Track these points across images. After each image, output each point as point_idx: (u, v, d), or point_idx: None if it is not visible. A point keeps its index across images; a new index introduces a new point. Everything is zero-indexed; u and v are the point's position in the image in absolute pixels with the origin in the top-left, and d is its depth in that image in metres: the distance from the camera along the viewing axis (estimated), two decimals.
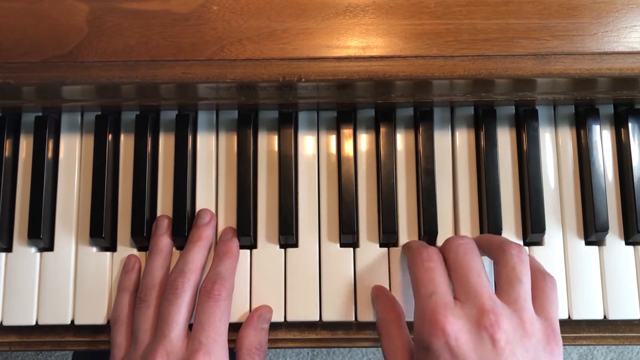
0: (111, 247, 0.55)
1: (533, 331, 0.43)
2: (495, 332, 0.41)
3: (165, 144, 0.56)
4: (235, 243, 0.53)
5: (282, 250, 0.54)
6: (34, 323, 0.53)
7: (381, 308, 0.51)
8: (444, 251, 0.48)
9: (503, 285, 0.45)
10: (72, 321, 0.53)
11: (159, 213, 0.55)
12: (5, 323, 0.53)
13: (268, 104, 0.55)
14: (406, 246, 0.53)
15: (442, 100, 0.54)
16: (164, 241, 0.53)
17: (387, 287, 0.53)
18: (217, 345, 0.48)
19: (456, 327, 0.42)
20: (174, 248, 0.54)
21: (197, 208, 0.55)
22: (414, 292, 0.47)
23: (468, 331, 0.42)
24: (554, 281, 0.47)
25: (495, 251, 0.47)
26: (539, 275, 0.47)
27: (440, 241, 0.54)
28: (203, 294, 0.49)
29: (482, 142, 0.55)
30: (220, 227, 0.55)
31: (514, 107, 0.56)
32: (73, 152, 0.56)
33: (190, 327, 0.50)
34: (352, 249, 0.54)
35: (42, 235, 0.53)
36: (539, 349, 0.43)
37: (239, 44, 0.48)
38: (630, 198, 0.54)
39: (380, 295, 0.51)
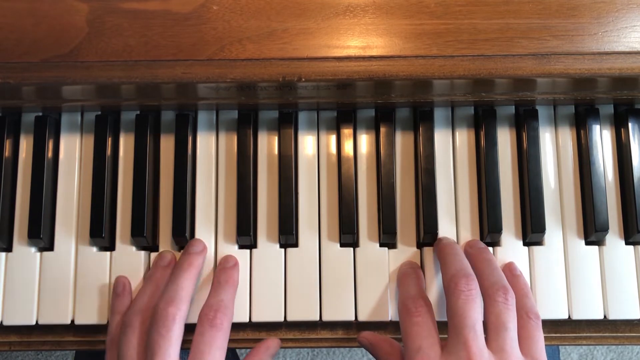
0: (111, 246, 0.55)
1: None
2: None
3: (165, 144, 0.56)
4: (237, 271, 0.53)
5: (282, 250, 0.54)
6: (34, 323, 0.53)
7: (382, 354, 0.51)
8: (447, 289, 0.48)
9: (490, 331, 0.46)
10: (72, 321, 0.53)
11: (159, 213, 0.55)
12: (5, 323, 0.53)
13: (268, 104, 0.55)
14: (399, 279, 0.52)
15: (442, 100, 0.54)
16: (161, 274, 0.52)
17: (387, 287, 0.53)
18: None
19: None
20: (174, 247, 0.54)
21: (197, 208, 0.55)
22: (404, 343, 0.48)
23: None
24: (539, 319, 0.49)
25: (483, 294, 0.48)
26: (523, 316, 0.48)
27: None
28: (205, 322, 0.48)
29: (482, 142, 0.55)
30: (221, 227, 0.55)
31: (514, 107, 0.56)
32: (73, 152, 0.56)
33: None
34: (352, 249, 0.54)
35: (42, 235, 0.53)
36: None
37: (239, 44, 0.48)
38: (630, 198, 0.54)
39: (378, 344, 0.51)
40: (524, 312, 0.49)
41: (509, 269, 0.53)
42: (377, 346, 0.51)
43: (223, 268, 0.53)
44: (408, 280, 0.51)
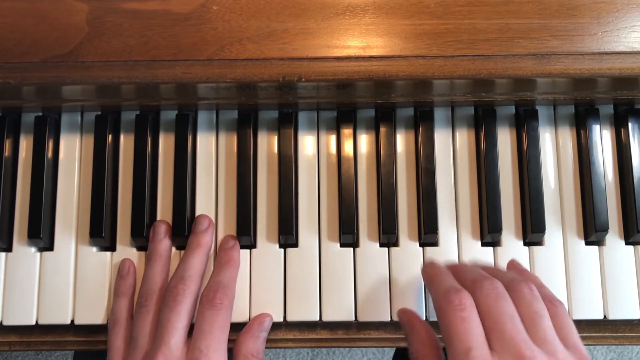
0: (111, 247, 0.55)
1: None
2: None
3: (165, 143, 0.56)
4: (236, 252, 0.53)
5: (282, 250, 0.54)
6: (34, 323, 0.53)
7: (418, 342, 0.47)
8: (473, 294, 0.45)
9: (526, 324, 0.43)
10: (72, 321, 0.53)
11: (158, 213, 0.55)
12: (5, 323, 0.53)
13: (268, 104, 0.55)
14: (430, 278, 0.48)
15: (442, 100, 0.54)
16: (163, 246, 0.53)
17: (387, 287, 0.53)
18: (218, 354, 0.48)
19: None
20: (173, 248, 0.54)
21: (197, 208, 0.55)
22: (447, 343, 0.43)
23: None
24: (564, 306, 0.46)
25: (507, 290, 0.45)
26: (548, 305, 0.45)
27: (441, 242, 0.54)
28: (205, 302, 0.49)
29: (482, 142, 0.55)
30: (220, 227, 0.55)
31: (514, 107, 0.56)
32: (73, 152, 0.56)
33: (189, 334, 0.49)
34: (352, 249, 0.54)
35: (42, 235, 0.53)
36: None
37: (239, 44, 0.48)
38: (630, 198, 0.54)
39: (415, 328, 0.48)
40: (547, 301, 0.45)
41: (514, 266, 0.53)
42: (414, 329, 0.48)
43: (223, 249, 0.53)
44: (440, 277, 0.48)
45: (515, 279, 0.46)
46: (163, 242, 0.53)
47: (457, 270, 0.49)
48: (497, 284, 0.45)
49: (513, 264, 0.53)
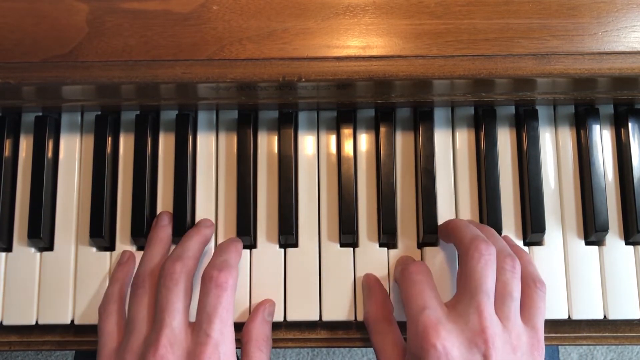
0: (111, 247, 0.55)
1: (520, 345, 0.45)
2: (489, 351, 0.43)
3: (165, 143, 0.56)
4: (240, 242, 0.53)
5: (282, 250, 0.54)
6: (34, 323, 0.53)
7: (372, 303, 0.51)
8: (464, 251, 0.47)
9: (496, 298, 0.46)
10: (72, 321, 0.53)
11: (158, 213, 0.55)
12: (5, 323, 0.53)
13: (268, 104, 0.55)
14: (396, 265, 0.53)
15: (442, 100, 0.54)
16: (165, 232, 0.53)
17: (387, 288, 0.53)
18: (225, 338, 0.46)
19: (448, 343, 0.43)
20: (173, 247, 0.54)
21: (197, 208, 0.55)
22: (405, 305, 0.47)
23: (460, 346, 0.43)
24: (544, 288, 0.49)
25: None
26: (530, 284, 0.48)
27: (440, 242, 0.54)
28: (208, 282, 0.47)
29: (482, 142, 0.55)
30: (220, 227, 0.55)
31: (514, 107, 0.56)
32: (73, 152, 0.56)
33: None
34: (352, 249, 0.54)
35: (42, 235, 0.53)
36: None
37: (239, 44, 0.48)
38: (630, 198, 0.54)
39: (372, 290, 0.51)
40: (530, 280, 0.48)
41: (506, 239, 0.53)
42: (372, 290, 0.51)
43: (227, 240, 0.53)
44: (405, 259, 0.52)
45: (503, 251, 0.48)
46: (166, 229, 0.53)
47: (459, 227, 0.51)
48: (491, 250, 0.47)
49: (505, 238, 0.53)
